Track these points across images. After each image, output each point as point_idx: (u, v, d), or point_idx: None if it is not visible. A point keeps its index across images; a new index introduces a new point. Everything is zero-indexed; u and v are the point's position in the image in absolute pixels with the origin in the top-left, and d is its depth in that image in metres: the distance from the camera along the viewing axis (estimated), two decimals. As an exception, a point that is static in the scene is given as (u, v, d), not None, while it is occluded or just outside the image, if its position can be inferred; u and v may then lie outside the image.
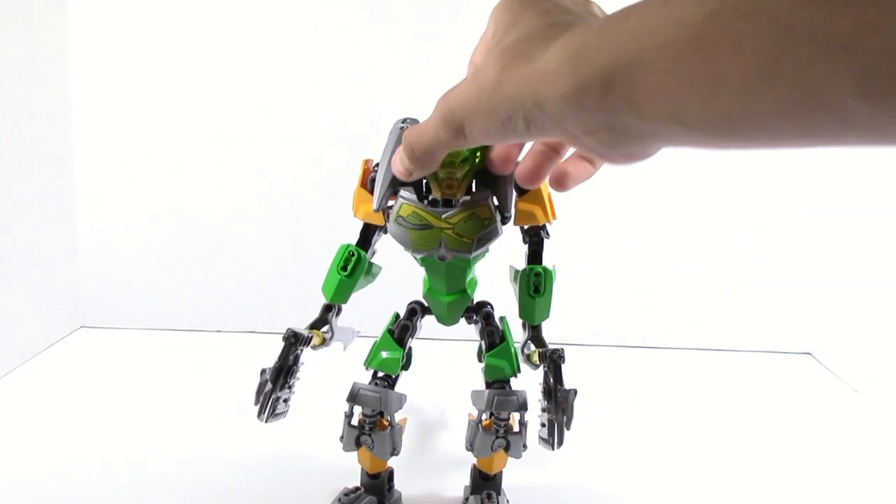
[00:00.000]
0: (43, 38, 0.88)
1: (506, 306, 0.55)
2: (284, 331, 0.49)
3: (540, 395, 0.52)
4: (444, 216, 0.46)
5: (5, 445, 0.67)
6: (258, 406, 0.49)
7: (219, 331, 1.01)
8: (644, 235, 1.00)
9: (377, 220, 0.51)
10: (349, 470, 0.57)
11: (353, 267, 0.51)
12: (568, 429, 0.46)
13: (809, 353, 1.02)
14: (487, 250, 0.49)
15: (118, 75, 0.95)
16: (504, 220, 0.48)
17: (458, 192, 0.45)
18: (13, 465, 0.64)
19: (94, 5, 0.93)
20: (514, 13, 0.29)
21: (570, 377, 0.47)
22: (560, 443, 0.47)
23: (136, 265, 1.00)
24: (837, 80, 0.18)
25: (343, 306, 0.53)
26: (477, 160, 0.46)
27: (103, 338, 0.98)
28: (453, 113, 0.30)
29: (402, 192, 0.47)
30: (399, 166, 0.36)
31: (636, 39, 0.22)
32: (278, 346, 0.49)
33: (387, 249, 0.54)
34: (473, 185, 0.47)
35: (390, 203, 0.48)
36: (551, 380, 0.47)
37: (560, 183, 0.39)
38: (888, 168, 0.91)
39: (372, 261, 0.54)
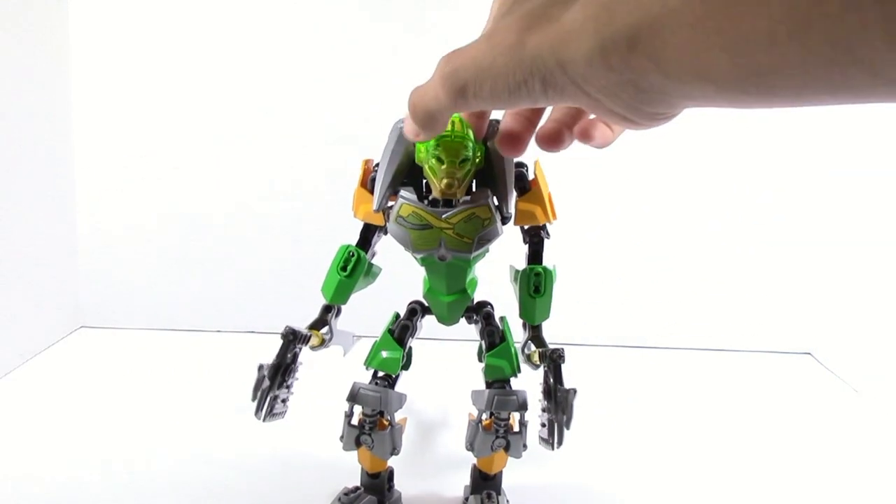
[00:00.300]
0: (43, 38, 0.88)
1: (506, 306, 0.55)
2: (283, 328, 0.49)
3: (540, 395, 0.52)
4: (444, 216, 0.46)
5: (5, 445, 0.67)
6: (255, 403, 0.48)
7: (219, 331, 1.01)
8: (644, 235, 1.00)
9: (377, 220, 0.51)
10: (349, 470, 0.57)
11: (353, 267, 0.51)
12: (567, 428, 0.46)
13: (809, 353, 1.02)
14: (487, 250, 0.49)
15: (118, 75, 0.95)
16: (504, 220, 0.48)
17: (458, 191, 0.45)
18: (13, 465, 0.64)
19: (94, 5, 0.93)
20: None
21: (570, 377, 0.47)
22: (560, 443, 0.47)
23: (136, 265, 1.00)
24: (868, 32, 0.18)
25: (342, 307, 0.53)
26: (477, 160, 0.46)
27: (103, 338, 0.98)
28: (456, 74, 0.29)
29: (403, 192, 0.47)
30: (408, 129, 0.35)
31: None
32: (278, 346, 0.49)
33: (386, 250, 0.54)
34: (473, 185, 0.47)
35: (390, 203, 0.48)
36: (551, 380, 0.47)
37: (586, 135, 0.37)
38: (888, 168, 0.91)
39: (372, 261, 0.54)
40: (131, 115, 0.96)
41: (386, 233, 0.52)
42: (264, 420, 0.49)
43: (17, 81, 0.83)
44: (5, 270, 0.83)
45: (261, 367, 0.49)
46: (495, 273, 0.58)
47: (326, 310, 0.53)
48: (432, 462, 0.67)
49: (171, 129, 0.96)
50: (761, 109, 0.23)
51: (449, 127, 0.45)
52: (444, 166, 0.44)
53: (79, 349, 0.94)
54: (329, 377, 0.59)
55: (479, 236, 0.46)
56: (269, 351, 0.50)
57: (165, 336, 0.98)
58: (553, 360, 0.47)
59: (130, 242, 0.99)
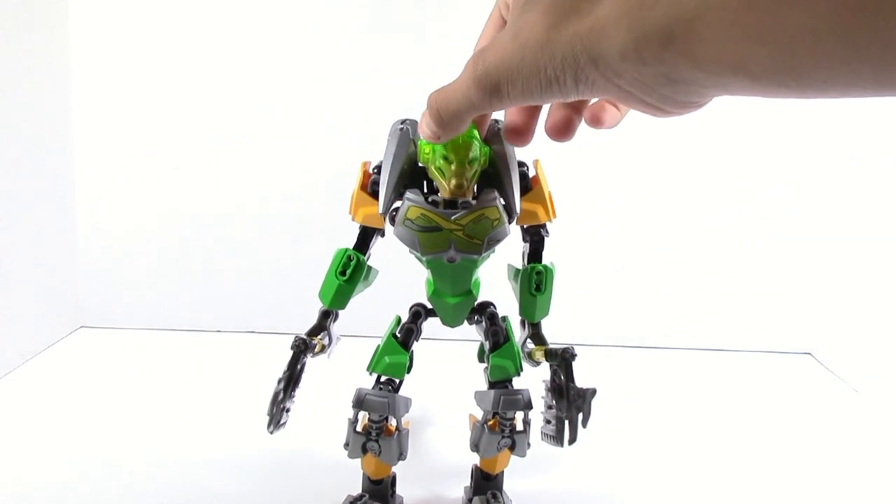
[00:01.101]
0: (43, 38, 0.88)
1: (505, 306, 0.55)
2: (293, 339, 0.48)
3: (544, 393, 0.52)
4: (453, 217, 0.45)
5: (5, 445, 0.67)
6: (270, 416, 0.47)
7: (219, 331, 1.01)
8: (644, 235, 1.00)
9: (377, 223, 0.51)
10: (350, 470, 0.56)
11: (353, 272, 0.50)
12: (584, 427, 0.46)
13: (809, 353, 1.02)
14: (494, 251, 0.49)
15: (118, 76, 0.94)
16: (510, 220, 0.48)
17: (467, 192, 0.45)
18: (13, 464, 0.64)
19: (94, 5, 0.93)
20: None
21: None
22: (573, 440, 0.46)
23: (136, 265, 1.00)
24: None
25: (340, 312, 0.52)
26: (483, 159, 0.46)
27: (103, 338, 0.98)
28: (488, 74, 0.29)
29: (409, 194, 0.47)
30: (427, 131, 0.35)
31: None
32: (278, 346, 0.48)
33: (386, 250, 0.54)
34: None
35: (396, 204, 0.48)
36: (562, 377, 0.47)
37: (597, 120, 0.37)
38: (888, 169, 0.91)
39: (369, 264, 0.53)
40: (131, 116, 0.95)
41: (383, 235, 0.52)
42: (273, 432, 0.48)
43: (17, 81, 0.83)
44: (5, 270, 0.83)
45: (280, 381, 0.48)
46: (494, 273, 0.58)
47: (325, 315, 0.52)
48: (431, 464, 0.66)
49: (170, 129, 0.96)
50: (784, 100, 0.23)
51: None
52: (453, 167, 0.44)
53: (79, 349, 0.94)
54: (325, 381, 0.59)
55: (488, 237, 0.46)
56: (269, 351, 0.50)
57: (165, 336, 0.98)
58: (564, 359, 0.47)
59: (130, 242, 0.99)
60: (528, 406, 0.51)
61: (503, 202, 0.47)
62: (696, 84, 0.24)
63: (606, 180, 0.97)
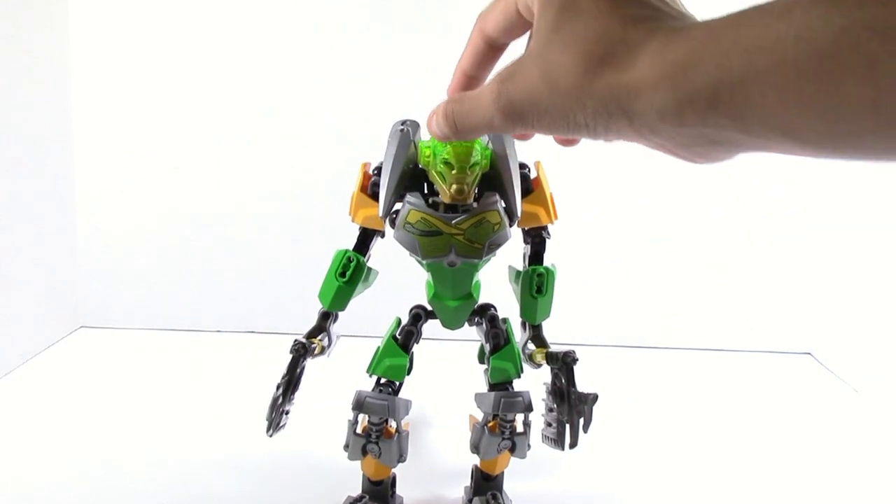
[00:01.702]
0: (43, 38, 0.88)
1: (506, 308, 0.55)
2: (292, 342, 0.48)
3: (545, 395, 0.52)
4: (453, 221, 0.45)
5: (5, 445, 0.67)
6: (269, 420, 0.47)
7: (219, 331, 1.01)
8: (644, 235, 1.00)
9: (377, 225, 0.50)
10: (351, 471, 0.56)
11: (352, 273, 0.50)
12: (586, 432, 0.46)
13: (809, 353, 1.02)
14: (494, 254, 0.49)
15: (118, 76, 0.94)
16: (511, 222, 0.48)
17: (468, 197, 0.45)
18: (13, 464, 0.64)
19: (94, 5, 0.93)
20: None
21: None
22: (574, 443, 0.46)
23: (136, 265, 1.00)
24: None
25: (340, 313, 0.52)
26: (484, 162, 0.45)
27: (103, 338, 0.97)
28: (513, 106, 0.28)
29: (409, 198, 0.46)
30: (437, 131, 0.35)
31: (748, 53, 0.21)
32: (278, 346, 0.48)
33: (386, 251, 0.53)
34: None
35: (396, 207, 0.48)
36: (563, 381, 0.47)
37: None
38: (888, 168, 0.91)
39: (369, 265, 0.53)
40: (131, 116, 0.95)
41: (383, 236, 0.52)
42: (272, 435, 0.48)
43: (17, 81, 0.83)
44: (5, 270, 0.83)
45: (278, 387, 0.48)
46: (494, 274, 0.57)
47: (324, 316, 0.52)
48: (431, 464, 0.66)
49: (170, 129, 0.96)
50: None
51: None
52: (454, 171, 0.44)
53: (79, 349, 0.94)
54: (324, 382, 0.59)
55: (489, 241, 0.46)
56: (269, 351, 0.50)
57: (165, 336, 0.98)
58: (566, 363, 0.47)
59: (130, 242, 0.99)
60: (528, 408, 0.51)
61: (504, 205, 0.47)
62: (736, 144, 0.24)
63: (607, 181, 0.97)
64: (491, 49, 0.35)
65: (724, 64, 0.21)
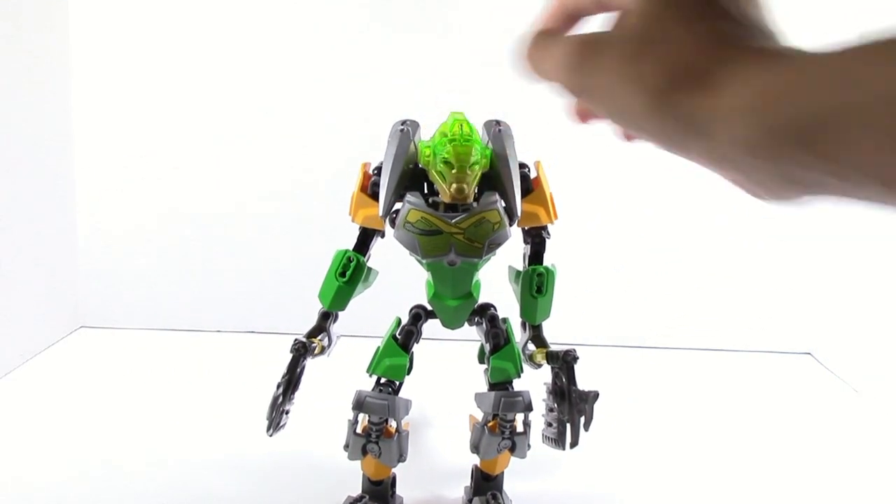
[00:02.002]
0: (43, 38, 0.88)
1: (506, 308, 0.55)
2: (292, 342, 0.48)
3: (545, 395, 0.52)
4: (453, 221, 0.45)
5: (5, 445, 0.67)
6: (269, 420, 0.47)
7: (219, 331, 1.01)
8: (644, 235, 1.00)
9: (377, 224, 0.51)
10: (350, 471, 0.56)
11: (352, 273, 0.50)
12: (586, 431, 0.46)
13: (809, 353, 1.02)
14: (494, 254, 0.49)
15: (118, 76, 0.94)
16: (511, 222, 0.48)
17: (468, 196, 0.45)
18: (13, 464, 0.64)
19: (94, 5, 0.93)
20: None
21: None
22: (575, 443, 0.46)
23: (136, 265, 1.00)
24: None
25: (339, 313, 0.52)
26: (484, 161, 0.45)
27: (103, 338, 0.97)
28: (584, 90, 0.27)
29: (409, 197, 0.46)
30: (519, 64, 0.30)
31: (844, 87, 0.19)
32: (278, 346, 0.48)
33: (386, 251, 0.54)
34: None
35: (396, 207, 0.48)
36: (564, 380, 0.47)
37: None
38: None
39: (369, 265, 0.53)
40: (131, 116, 0.95)
41: (383, 236, 0.52)
42: (272, 435, 0.48)
43: (17, 81, 0.83)
44: (5, 270, 0.83)
45: (278, 387, 0.48)
46: (493, 274, 0.58)
47: (324, 316, 0.52)
48: (431, 464, 0.66)
49: (170, 129, 0.96)
50: None
51: (456, 129, 0.45)
52: (453, 171, 0.44)
53: (79, 349, 0.94)
54: (324, 381, 0.59)
55: (489, 241, 0.46)
56: (269, 351, 0.50)
57: (165, 336, 0.98)
58: (566, 362, 0.47)
59: (130, 242, 0.99)
60: (528, 408, 0.51)
61: (504, 204, 0.47)
62: (818, 186, 0.22)
63: (607, 181, 0.97)
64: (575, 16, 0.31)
65: (816, 96, 0.20)
